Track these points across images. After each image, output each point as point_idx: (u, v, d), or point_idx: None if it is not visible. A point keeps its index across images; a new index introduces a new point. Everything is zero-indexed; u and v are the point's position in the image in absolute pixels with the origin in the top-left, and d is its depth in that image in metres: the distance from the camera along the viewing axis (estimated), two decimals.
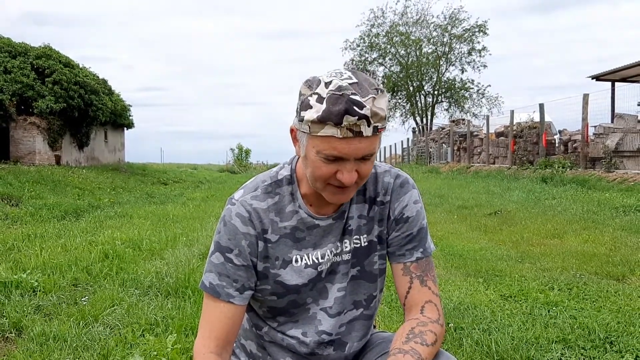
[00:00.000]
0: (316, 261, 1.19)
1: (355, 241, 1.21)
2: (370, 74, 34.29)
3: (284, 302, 1.20)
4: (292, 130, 1.11)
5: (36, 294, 3.20)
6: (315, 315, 1.22)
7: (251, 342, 1.31)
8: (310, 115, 1.00)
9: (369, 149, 1.03)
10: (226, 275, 1.14)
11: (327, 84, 1.00)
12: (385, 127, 1.05)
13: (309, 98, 1.01)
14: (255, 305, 1.24)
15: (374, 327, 1.39)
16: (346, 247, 1.21)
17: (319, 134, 1.00)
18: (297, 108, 1.05)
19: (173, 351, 2.16)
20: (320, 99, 0.99)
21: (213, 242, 1.17)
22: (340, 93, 0.98)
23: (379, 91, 1.01)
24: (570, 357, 2.20)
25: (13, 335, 2.56)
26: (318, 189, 1.10)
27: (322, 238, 1.19)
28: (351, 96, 0.97)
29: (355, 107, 0.97)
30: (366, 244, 1.22)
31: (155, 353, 2.19)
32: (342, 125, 0.97)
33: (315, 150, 1.03)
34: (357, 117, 0.97)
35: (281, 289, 1.19)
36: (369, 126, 0.99)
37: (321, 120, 0.98)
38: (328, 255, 1.19)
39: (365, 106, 0.97)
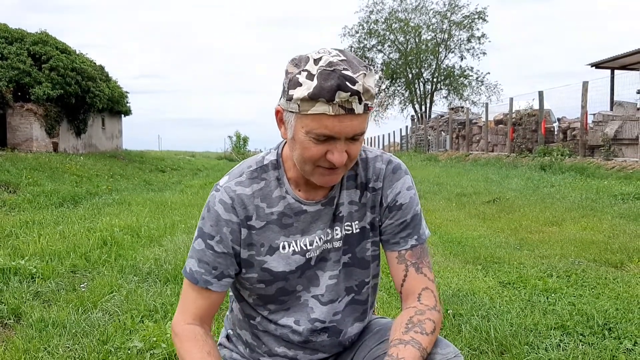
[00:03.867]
0: (304, 248, 1.16)
1: (346, 227, 1.18)
2: (369, 61, 34.16)
3: (272, 289, 1.18)
4: (277, 112, 1.06)
5: (35, 280, 3.20)
6: (307, 302, 1.20)
7: (246, 331, 1.29)
8: (300, 92, 0.96)
9: (360, 127, 1.00)
10: (205, 262, 1.13)
11: (316, 61, 0.97)
12: (373, 107, 1.03)
13: (298, 76, 0.97)
14: (245, 294, 1.23)
15: (373, 312, 1.38)
16: (337, 234, 1.18)
17: (309, 112, 0.97)
18: (284, 87, 1.01)
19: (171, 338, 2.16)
20: (310, 76, 0.96)
21: (197, 227, 1.16)
22: (332, 69, 0.94)
23: (368, 68, 0.99)
24: (569, 344, 2.21)
25: (12, 321, 2.55)
26: (306, 172, 1.07)
27: (310, 224, 1.16)
28: (343, 71, 0.94)
29: (347, 83, 0.94)
30: (358, 230, 1.19)
31: (154, 339, 2.19)
32: (335, 101, 0.94)
33: (304, 131, 0.99)
34: (349, 93, 0.94)
35: (268, 276, 1.17)
36: (360, 103, 0.97)
37: (312, 97, 0.95)
38: (317, 242, 1.17)
39: (358, 82, 0.95)
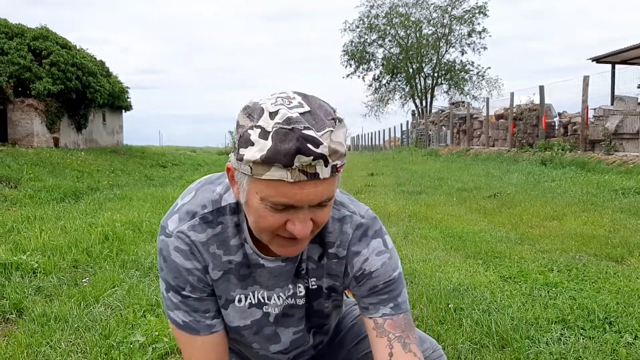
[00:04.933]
0: (262, 300, 1.06)
1: (305, 283, 1.07)
2: (369, 56, 33.88)
3: (230, 336, 1.10)
4: (228, 169, 0.90)
5: (36, 275, 3.20)
6: (266, 355, 1.14)
7: None
8: (251, 154, 0.79)
9: (327, 192, 0.83)
10: (193, 311, 1.02)
11: (272, 114, 0.79)
12: (344, 164, 0.85)
13: (250, 132, 0.80)
14: None
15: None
16: (300, 291, 1.07)
17: (263, 177, 0.80)
18: (235, 143, 0.86)
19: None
20: (264, 134, 0.79)
21: (160, 277, 1.03)
22: (290, 127, 0.77)
23: (337, 121, 0.82)
24: (570, 337, 2.21)
25: (14, 316, 2.56)
26: (264, 240, 0.92)
27: (268, 280, 1.04)
28: (304, 131, 0.77)
29: (309, 145, 0.77)
30: (315, 287, 1.07)
31: (156, 333, 2.20)
32: (294, 167, 0.78)
33: (259, 197, 0.83)
34: (312, 157, 0.78)
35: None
36: (326, 166, 0.80)
37: (266, 161, 0.78)
38: (275, 300, 1.06)
39: (322, 143, 0.78)
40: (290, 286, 1.06)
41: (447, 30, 31.53)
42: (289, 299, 1.07)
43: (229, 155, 0.91)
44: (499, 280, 3.15)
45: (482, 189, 8.00)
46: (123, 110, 22.56)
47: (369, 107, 34.69)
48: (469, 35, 31.34)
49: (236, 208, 1.00)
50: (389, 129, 35.10)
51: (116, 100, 20.02)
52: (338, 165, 0.83)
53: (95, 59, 19.06)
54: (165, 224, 1.00)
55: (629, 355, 2.02)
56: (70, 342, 2.21)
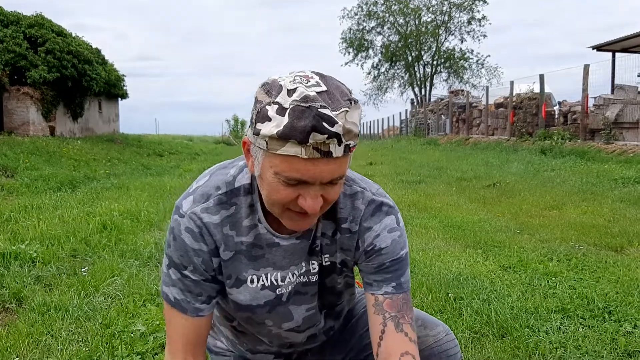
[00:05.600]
0: (275, 283, 1.07)
1: (318, 260, 1.09)
2: (368, 44, 33.70)
3: (241, 315, 1.13)
4: (244, 143, 0.93)
5: (35, 264, 3.19)
6: (279, 334, 1.16)
7: (225, 328, 1.27)
8: (268, 129, 0.82)
9: (338, 171, 0.87)
10: (188, 291, 1.03)
11: (290, 92, 0.82)
12: (356, 146, 0.88)
13: (267, 108, 0.83)
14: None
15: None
16: (314, 268, 1.09)
17: (278, 152, 0.83)
18: (252, 117, 0.87)
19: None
20: (281, 110, 0.82)
21: (165, 253, 1.05)
22: (307, 105, 0.80)
23: (352, 102, 0.85)
24: (569, 326, 2.22)
25: (14, 305, 2.55)
26: (275, 213, 0.95)
27: (283, 259, 1.06)
28: (320, 109, 0.80)
29: (324, 124, 0.80)
30: (328, 263, 1.10)
31: (157, 322, 2.20)
32: (308, 143, 0.81)
33: (273, 171, 0.86)
34: (326, 136, 0.81)
35: (233, 306, 1.11)
36: (339, 145, 0.83)
37: (282, 137, 0.81)
38: (290, 278, 1.07)
39: (337, 122, 0.81)
40: (304, 264, 1.08)
41: (446, 18, 31.37)
42: (302, 277, 1.09)
43: (246, 130, 0.93)
44: (499, 270, 3.15)
45: (482, 179, 8.00)
46: (119, 99, 22.45)
47: (367, 96, 34.60)
48: (469, 22, 31.20)
49: (250, 189, 1.02)
50: (388, 117, 35.06)
51: (112, 89, 19.90)
52: (351, 145, 0.86)
53: (91, 46, 18.90)
54: (180, 204, 1.03)
55: (628, 344, 2.03)
56: (71, 331, 2.20)
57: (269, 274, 1.07)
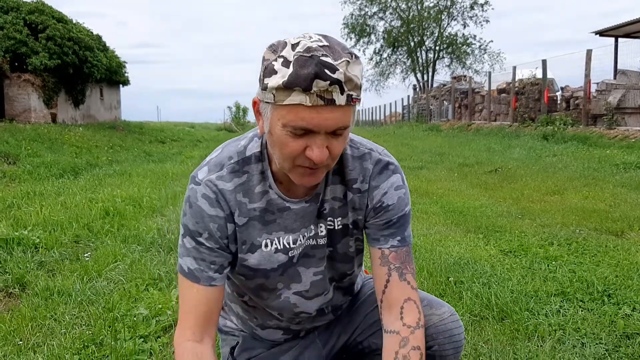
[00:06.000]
0: (287, 246, 1.12)
1: (329, 223, 1.14)
2: (370, 29, 33.37)
3: (252, 283, 1.16)
4: (254, 103, 0.98)
5: (38, 250, 3.22)
6: (287, 299, 1.19)
7: (236, 305, 1.29)
8: (275, 81, 0.88)
9: (342, 120, 0.91)
10: (202, 259, 1.06)
11: (294, 46, 0.88)
12: (360, 99, 0.93)
13: (274, 63, 0.89)
14: (230, 274, 1.19)
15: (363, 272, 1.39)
16: (321, 231, 1.14)
17: (285, 102, 0.88)
18: (260, 76, 0.93)
19: (177, 304, 2.19)
20: (286, 63, 0.87)
21: (181, 223, 1.09)
22: (310, 55, 0.86)
23: (353, 56, 0.90)
24: (569, 309, 2.23)
25: (17, 290, 2.58)
26: (285, 169, 0.99)
27: (294, 222, 1.11)
28: (322, 58, 0.85)
29: (326, 70, 0.85)
30: (340, 227, 1.14)
31: (160, 306, 2.22)
32: (312, 91, 0.86)
33: (281, 123, 0.91)
34: (328, 82, 0.85)
35: (248, 271, 1.14)
36: (342, 94, 0.88)
37: (287, 86, 0.86)
38: (300, 240, 1.13)
39: (338, 69, 0.86)
40: (312, 227, 1.13)
41: (449, 3, 30.99)
42: (311, 240, 1.14)
43: (257, 91, 0.97)
44: (499, 254, 3.16)
45: (484, 164, 7.99)
46: (121, 85, 22.37)
47: (369, 82, 34.37)
48: (471, 7, 30.81)
49: (260, 156, 1.07)
50: (390, 103, 34.88)
51: (113, 75, 19.82)
52: (354, 96, 0.90)
53: (92, 33, 18.78)
54: (195, 174, 1.08)
55: (626, 327, 2.04)
56: (74, 315, 2.23)
57: (281, 238, 1.11)
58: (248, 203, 1.07)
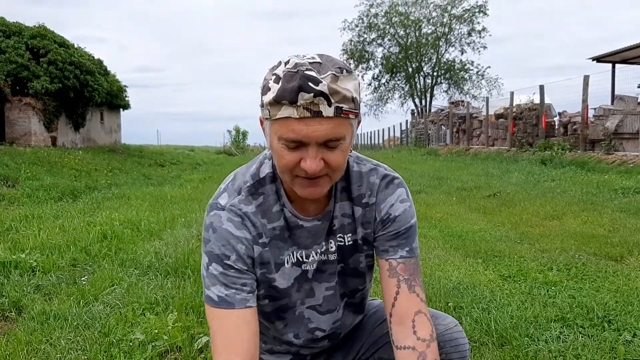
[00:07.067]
0: (300, 259, 1.15)
1: (339, 239, 1.17)
2: (369, 55, 33.74)
3: (275, 305, 1.17)
4: (260, 122, 1.03)
5: (35, 273, 3.20)
6: (302, 314, 1.20)
7: None
8: (268, 97, 0.93)
9: (333, 132, 0.93)
10: (232, 283, 1.05)
11: (285, 64, 0.93)
12: (355, 112, 0.95)
13: (269, 81, 0.95)
14: None
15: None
16: (332, 247, 1.17)
17: (277, 116, 0.93)
18: (260, 94, 0.99)
19: (174, 329, 2.17)
20: (277, 79, 0.93)
21: (204, 253, 1.08)
22: (296, 70, 0.90)
23: (345, 70, 0.93)
24: (569, 335, 2.21)
25: (13, 314, 2.56)
26: (287, 182, 1.03)
27: (307, 239, 1.14)
28: (306, 72, 0.90)
29: (310, 83, 0.89)
30: (350, 242, 1.17)
31: (156, 331, 2.20)
32: (298, 104, 0.90)
33: (277, 137, 0.95)
34: (312, 94, 0.89)
35: (275, 293, 1.15)
36: (329, 106, 0.91)
37: (276, 100, 0.91)
38: (313, 256, 1.16)
39: (321, 82, 0.89)
40: (324, 243, 1.16)
41: (446, 30, 31.53)
42: (322, 255, 1.17)
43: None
44: (499, 279, 3.15)
45: (482, 189, 8.01)
46: (121, 109, 22.54)
47: (368, 107, 34.68)
48: (469, 34, 31.34)
49: (273, 177, 1.11)
50: (388, 128, 35.12)
51: (114, 99, 20.00)
52: (344, 108, 0.93)
53: (93, 57, 19.03)
54: (216, 202, 1.10)
55: (627, 353, 2.02)
56: (70, 339, 2.20)
57: (294, 252, 1.14)
58: (267, 223, 1.11)
